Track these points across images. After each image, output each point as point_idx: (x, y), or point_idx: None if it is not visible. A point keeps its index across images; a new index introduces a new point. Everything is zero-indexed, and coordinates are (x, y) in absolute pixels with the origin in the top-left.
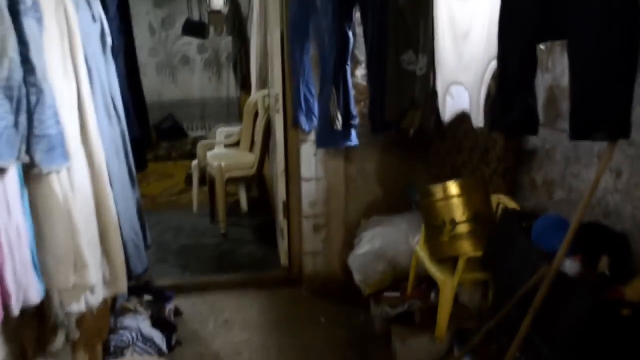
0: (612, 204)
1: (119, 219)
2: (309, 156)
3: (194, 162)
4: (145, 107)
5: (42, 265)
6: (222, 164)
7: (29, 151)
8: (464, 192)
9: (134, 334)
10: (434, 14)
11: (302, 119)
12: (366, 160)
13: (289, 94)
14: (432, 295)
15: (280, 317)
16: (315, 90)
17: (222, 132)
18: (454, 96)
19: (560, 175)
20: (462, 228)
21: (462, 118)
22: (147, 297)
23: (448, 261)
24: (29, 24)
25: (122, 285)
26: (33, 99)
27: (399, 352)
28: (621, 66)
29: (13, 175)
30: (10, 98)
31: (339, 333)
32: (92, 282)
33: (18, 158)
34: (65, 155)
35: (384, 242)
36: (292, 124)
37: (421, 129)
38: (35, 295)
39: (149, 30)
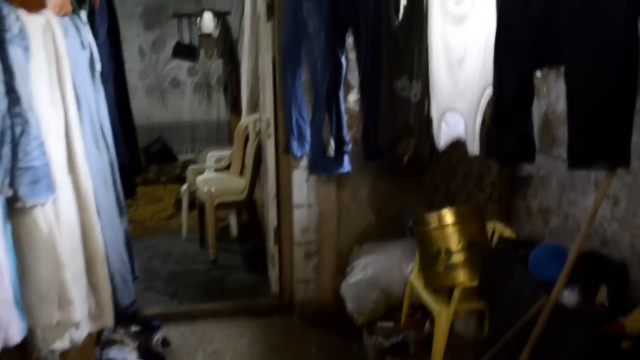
0: (609, 232)
1: (106, 249)
2: (301, 182)
3: (184, 187)
4: (135, 133)
5: (24, 302)
6: (212, 189)
7: (12, 184)
8: (460, 220)
9: None
10: (429, 40)
11: (294, 145)
12: (359, 186)
13: (280, 119)
14: (427, 325)
15: (272, 347)
16: (307, 115)
17: (212, 156)
18: (449, 123)
19: (556, 203)
20: (458, 257)
21: (456, 144)
22: (134, 328)
23: (443, 290)
24: (15, 52)
25: (109, 319)
26: (18, 129)
27: None
28: (620, 93)
29: None
30: None
31: None
32: (77, 318)
33: (1, 192)
34: (51, 188)
35: (377, 270)
36: (283, 150)
37: (415, 156)
38: (16, 335)
39: (139, 53)
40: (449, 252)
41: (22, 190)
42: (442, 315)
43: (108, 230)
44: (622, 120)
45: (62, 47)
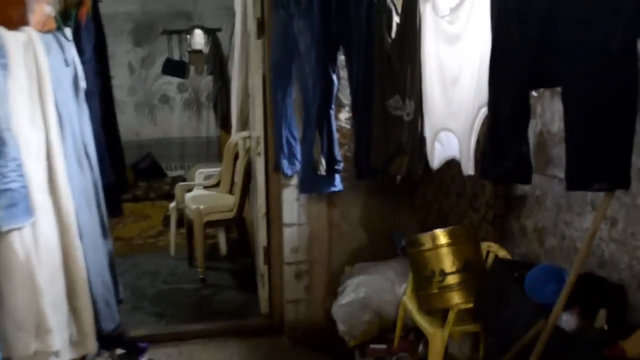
0: (607, 253)
1: (88, 273)
2: (291, 201)
3: (172, 205)
4: (122, 151)
5: (0, 330)
6: (201, 207)
7: None
8: (454, 240)
9: None
10: (422, 59)
11: (284, 163)
12: (350, 204)
13: (270, 137)
14: (421, 347)
15: None
16: (297, 133)
17: (201, 173)
18: (443, 143)
19: (552, 223)
20: (452, 279)
21: (449, 162)
22: (119, 351)
23: (437, 312)
24: None
25: (91, 346)
26: None
27: None
28: (620, 114)
29: None
30: None
31: None
32: (56, 347)
33: None
34: (29, 211)
35: (370, 290)
36: (273, 168)
37: (408, 175)
38: None
39: (128, 69)
40: (443, 274)
41: None
42: (437, 337)
43: (91, 253)
44: (621, 141)
45: (44, 65)
